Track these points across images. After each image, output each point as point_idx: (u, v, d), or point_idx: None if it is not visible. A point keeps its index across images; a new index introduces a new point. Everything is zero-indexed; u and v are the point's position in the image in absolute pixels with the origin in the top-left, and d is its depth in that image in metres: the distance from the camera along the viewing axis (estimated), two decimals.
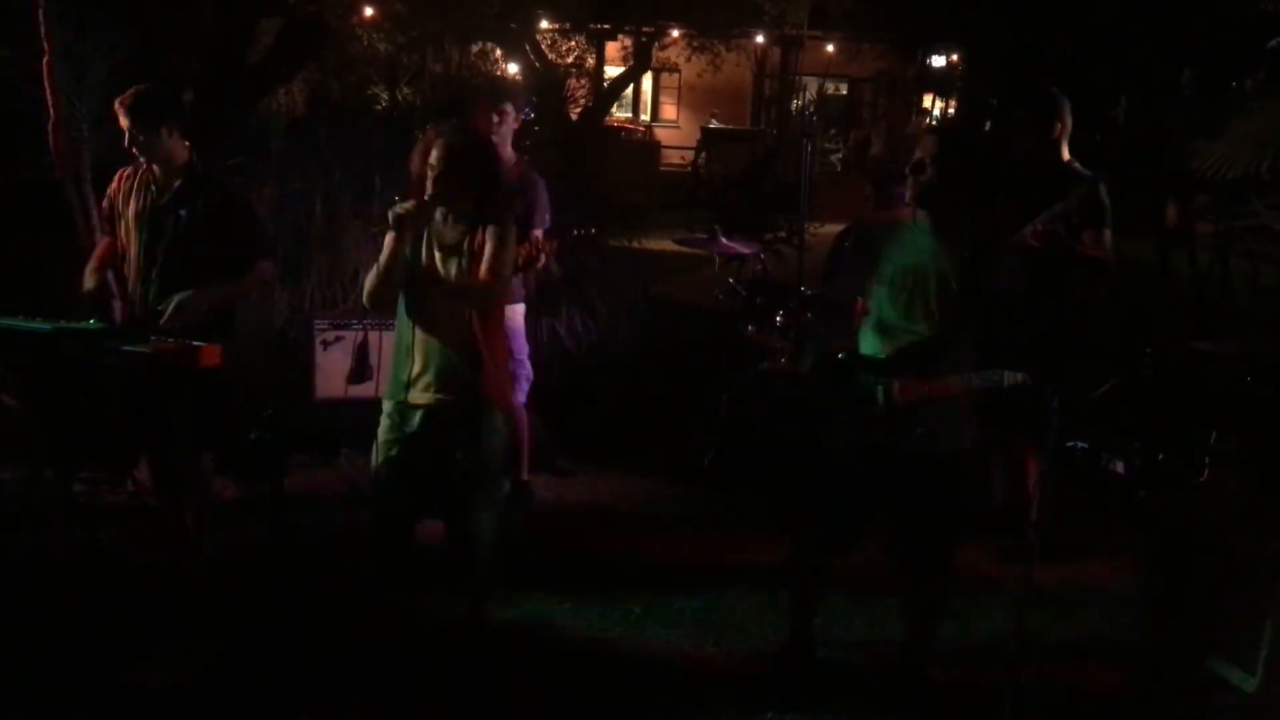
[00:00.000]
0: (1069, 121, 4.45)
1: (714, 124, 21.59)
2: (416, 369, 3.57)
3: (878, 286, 3.41)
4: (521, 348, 5.01)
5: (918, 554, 3.51)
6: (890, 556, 3.59)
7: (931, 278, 3.32)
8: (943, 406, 3.32)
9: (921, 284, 3.33)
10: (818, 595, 3.74)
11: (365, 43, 10.45)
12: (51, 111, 5.01)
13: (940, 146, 3.32)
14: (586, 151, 12.87)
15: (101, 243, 4.25)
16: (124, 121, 3.97)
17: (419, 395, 3.58)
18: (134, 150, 4.00)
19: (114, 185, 4.17)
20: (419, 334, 3.57)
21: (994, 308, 3.31)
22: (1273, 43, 5.29)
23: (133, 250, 4.08)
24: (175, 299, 3.94)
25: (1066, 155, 4.46)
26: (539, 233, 4.82)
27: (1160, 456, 3.33)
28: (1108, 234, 4.30)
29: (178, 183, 4.05)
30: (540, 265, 4.78)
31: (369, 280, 3.59)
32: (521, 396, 5.04)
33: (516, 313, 4.97)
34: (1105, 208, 4.28)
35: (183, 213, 4.01)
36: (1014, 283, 3.37)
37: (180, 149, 4.05)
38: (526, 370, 5.04)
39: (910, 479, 3.37)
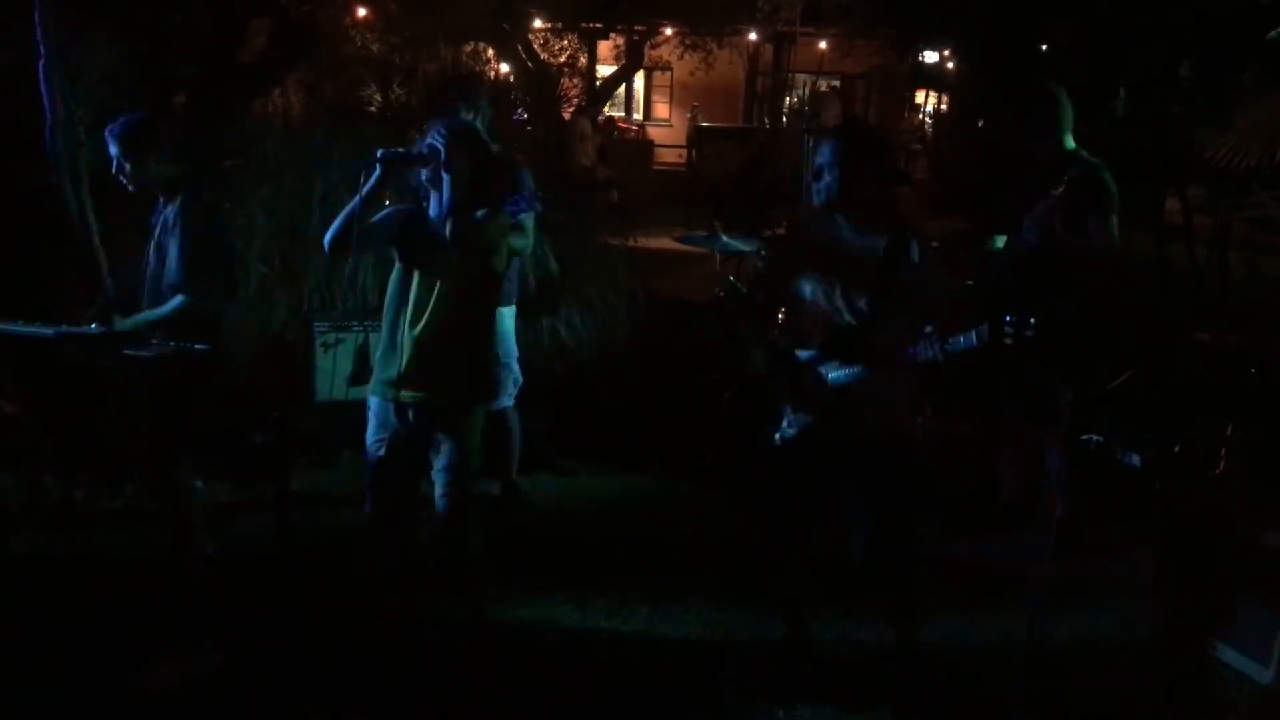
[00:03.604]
0: (1069, 115, 4.44)
1: (702, 121, 21.56)
2: (405, 367, 3.55)
3: (808, 278, 3.44)
4: (510, 351, 4.98)
5: (879, 543, 3.51)
6: (857, 551, 3.59)
7: (851, 267, 3.36)
8: (874, 390, 3.34)
9: (845, 274, 3.37)
10: (802, 590, 3.73)
11: (359, 43, 10.42)
12: (49, 115, 4.98)
13: (840, 151, 3.34)
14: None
15: None
16: (112, 150, 3.94)
17: (409, 393, 3.57)
18: (120, 178, 3.98)
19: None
20: (409, 331, 3.55)
21: (992, 302, 3.32)
22: (1273, 33, 5.28)
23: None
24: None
25: (1071, 145, 4.46)
26: None
27: (1175, 448, 3.32)
28: (1114, 221, 4.28)
29: (166, 203, 4.05)
30: None
31: (338, 220, 3.48)
32: (508, 400, 5.01)
33: (505, 316, 4.93)
34: (1108, 195, 4.27)
35: (159, 232, 4.01)
36: (1006, 275, 3.38)
37: (169, 171, 4.02)
38: (514, 373, 5.02)
39: (853, 466, 3.42)
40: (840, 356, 3.35)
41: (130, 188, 4.02)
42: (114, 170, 3.99)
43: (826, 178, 3.36)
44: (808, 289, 3.42)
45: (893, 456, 3.41)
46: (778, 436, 3.48)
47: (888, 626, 3.80)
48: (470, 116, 4.60)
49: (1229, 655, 3.16)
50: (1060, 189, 4.08)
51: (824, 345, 3.39)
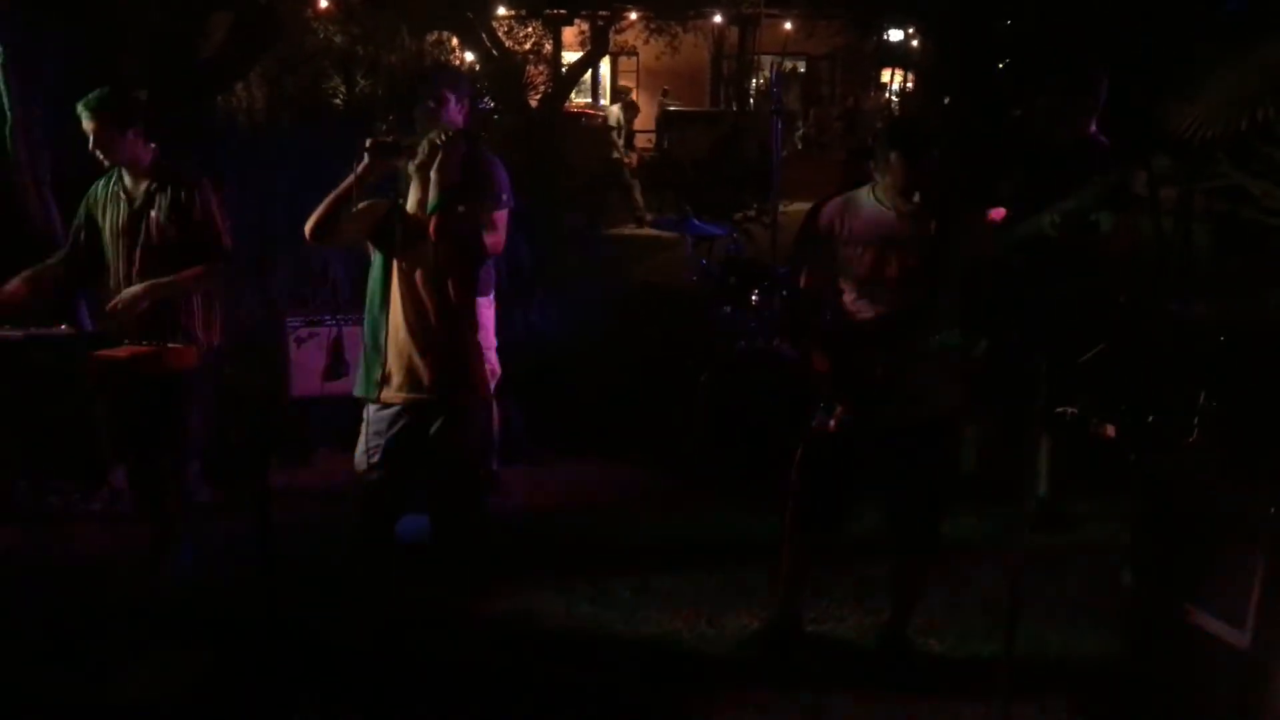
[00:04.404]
0: (1101, 96, 4.39)
1: (671, 105, 21.52)
2: (389, 368, 3.54)
3: (844, 262, 3.42)
4: (490, 343, 4.97)
5: (908, 523, 3.54)
6: (884, 528, 3.61)
7: (893, 250, 3.34)
8: (924, 374, 3.34)
9: (886, 257, 3.35)
10: (809, 572, 3.75)
11: (320, 35, 10.32)
12: (8, 114, 4.92)
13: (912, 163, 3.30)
14: (549, 137, 12.79)
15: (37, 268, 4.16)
16: (87, 125, 3.92)
17: (392, 395, 3.55)
18: (98, 153, 3.95)
19: (91, 196, 4.12)
20: (391, 329, 3.53)
21: (971, 277, 3.33)
22: (1231, 2, 5.32)
23: (114, 261, 4.04)
24: (124, 293, 3.91)
25: (1092, 128, 4.42)
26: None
27: (1149, 418, 3.36)
28: (1130, 217, 4.27)
29: (146, 184, 4.00)
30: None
31: (320, 207, 3.47)
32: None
33: (484, 305, 4.93)
34: (1127, 191, 4.24)
35: (152, 213, 3.98)
36: (985, 250, 3.39)
37: (145, 151, 4.01)
38: (492, 364, 5.00)
39: (896, 448, 3.41)
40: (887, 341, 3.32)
41: (106, 163, 4.00)
42: (90, 146, 3.96)
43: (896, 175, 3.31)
44: (856, 252, 3.39)
45: (938, 438, 3.43)
46: (831, 423, 3.43)
47: (871, 602, 3.84)
48: (454, 104, 4.61)
49: (1206, 621, 3.19)
50: (1094, 190, 4.00)
51: (870, 330, 3.36)
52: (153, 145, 4.03)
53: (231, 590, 3.79)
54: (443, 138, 3.47)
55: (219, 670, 3.54)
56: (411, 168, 3.52)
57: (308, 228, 3.49)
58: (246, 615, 3.51)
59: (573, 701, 3.48)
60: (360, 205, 3.49)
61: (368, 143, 3.41)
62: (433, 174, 3.45)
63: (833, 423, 3.41)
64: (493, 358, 4.98)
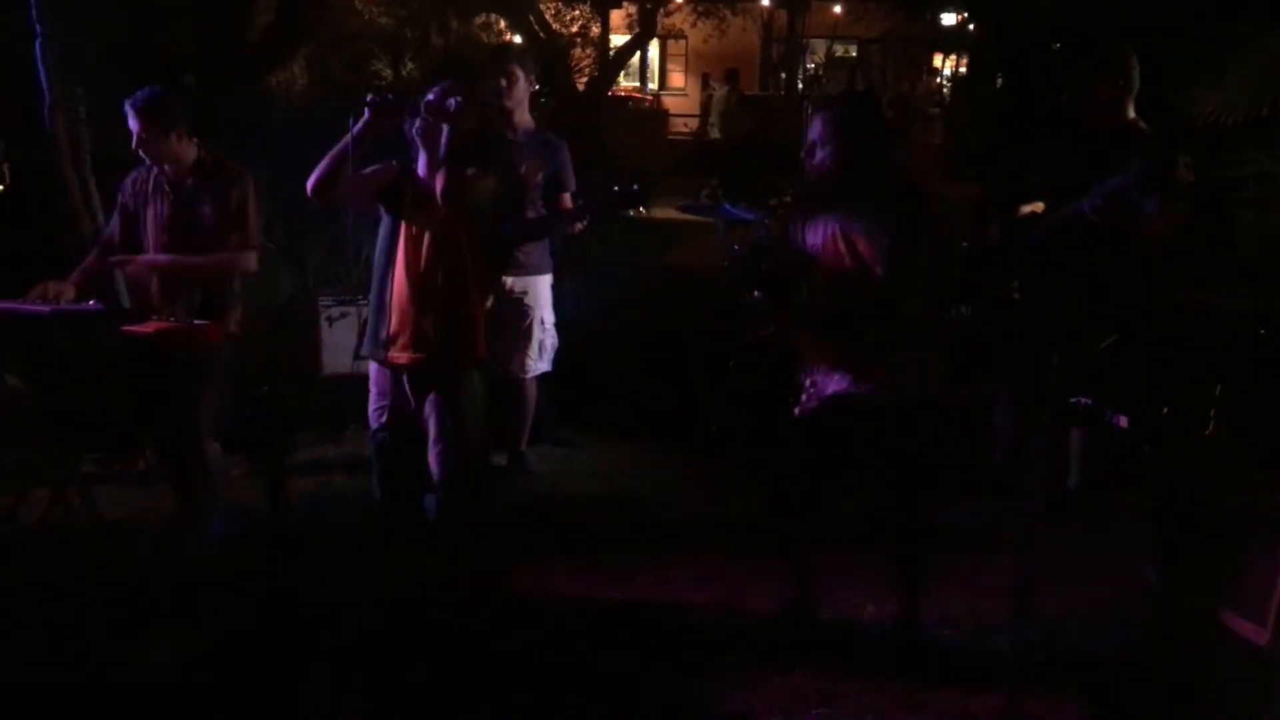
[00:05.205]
0: (1135, 79, 4.27)
1: (715, 90, 21.42)
2: (395, 327, 3.56)
3: (814, 246, 3.40)
4: (550, 317, 5.03)
5: (899, 513, 3.52)
6: (880, 513, 3.60)
7: (860, 238, 3.30)
8: (904, 356, 3.31)
9: (841, 241, 3.32)
10: (811, 554, 3.73)
11: (366, 17, 10.39)
12: (48, 94, 5.01)
13: (832, 125, 3.27)
14: (594, 121, 12.79)
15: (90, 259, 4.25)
16: (132, 124, 3.97)
17: (399, 354, 3.59)
18: (141, 152, 4.01)
19: (128, 189, 4.18)
20: (396, 291, 3.56)
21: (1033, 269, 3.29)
22: None
23: (156, 252, 4.10)
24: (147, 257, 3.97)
25: (1131, 114, 4.31)
26: (568, 195, 4.83)
27: (1165, 410, 3.30)
28: (1173, 201, 4.17)
29: (190, 180, 4.05)
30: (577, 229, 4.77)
31: (322, 164, 3.46)
32: (547, 365, 5.06)
33: (544, 283, 4.99)
34: (1171, 174, 4.14)
35: (199, 207, 4.04)
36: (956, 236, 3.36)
37: (188, 149, 4.05)
38: (554, 339, 5.06)
39: (876, 437, 3.39)
40: (868, 328, 3.28)
41: (149, 161, 4.06)
42: (134, 146, 4.01)
43: (819, 153, 3.30)
44: (819, 240, 3.36)
45: (920, 423, 3.40)
46: (796, 410, 3.42)
47: (888, 591, 3.80)
48: (523, 83, 4.63)
49: (1225, 617, 3.14)
50: (1137, 170, 3.90)
51: (850, 315, 3.32)
52: (196, 141, 4.07)
53: (239, 576, 3.79)
54: (458, 94, 3.45)
55: (221, 663, 3.50)
56: (415, 131, 3.50)
57: (309, 183, 3.50)
58: (264, 588, 3.55)
59: (587, 690, 3.45)
60: (370, 169, 3.51)
61: (368, 98, 3.40)
62: (444, 128, 3.41)
63: (797, 409, 3.39)
64: (554, 333, 5.04)
